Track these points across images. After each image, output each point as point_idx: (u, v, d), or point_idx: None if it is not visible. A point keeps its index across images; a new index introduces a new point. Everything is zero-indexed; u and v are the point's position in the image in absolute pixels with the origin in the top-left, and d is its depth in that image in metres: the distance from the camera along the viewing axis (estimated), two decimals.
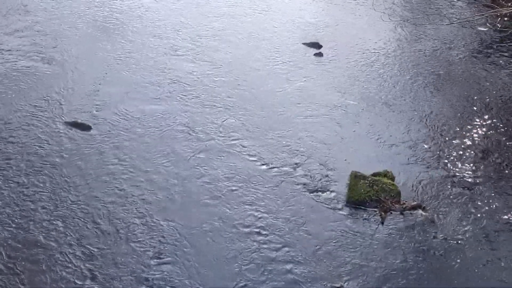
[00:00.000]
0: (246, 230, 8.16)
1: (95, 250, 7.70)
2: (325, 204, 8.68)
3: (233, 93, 11.02)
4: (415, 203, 8.74)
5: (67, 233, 7.91)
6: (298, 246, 7.98)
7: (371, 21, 13.82)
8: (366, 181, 8.86)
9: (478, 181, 9.24)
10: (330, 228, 8.28)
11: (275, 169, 9.26)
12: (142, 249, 7.76)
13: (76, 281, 7.31)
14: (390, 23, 13.57)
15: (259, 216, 8.40)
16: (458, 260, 7.91)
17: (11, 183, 8.63)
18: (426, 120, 10.60)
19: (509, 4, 12.66)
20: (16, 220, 8.01)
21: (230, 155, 9.49)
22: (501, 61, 12.47)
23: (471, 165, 9.58)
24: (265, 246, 7.95)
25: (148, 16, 13.52)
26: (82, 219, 8.13)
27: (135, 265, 7.55)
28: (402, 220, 8.49)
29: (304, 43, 12.80)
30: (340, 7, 14.58)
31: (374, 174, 9.05)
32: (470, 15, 14.04)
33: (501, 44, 13.09)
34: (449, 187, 9.10)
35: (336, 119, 10.51)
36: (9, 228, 7.87)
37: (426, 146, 9.96)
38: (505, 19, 13.75)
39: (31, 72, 11.20)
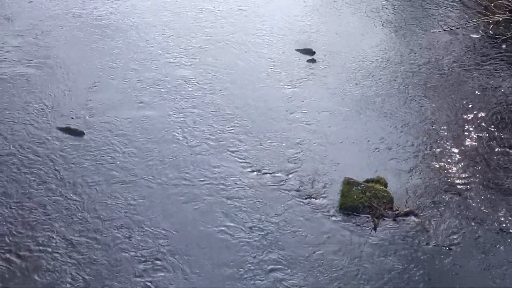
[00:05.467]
0: (237, 237, 8.15)
1: (88, 253, 7.71)
2: (318, 210, 8.68)
3: (225, 99, 11.02)
4: (407, 209, 8.76)
5: (59, 236, 7.90)
6: (291, 252, 7.98)
7: (364, 27, 13.85)
8: (359, 188, 8.87)
9: (470, 188, 9.26)
10: (323, 235, 8.28)
11: (268, 175, 9.26)
12: (134, 253, 7.75)
13: (70, 285, 7.31)
14: (383, 30, 13.61)
15: (252, 223, 8.39)
16: (451, 267, 7.92)
17: (3, 188, 8.61)
18: (419, 127, 10.62)
19: (501, 11, 12.69)
20: (9, 221, 8.01)
21: (222, 161, 9.48)
22: (493, 68, 12.51)
23: (464, 171, 9.60)
24: (257, 252, 7.94)
25: (142, 21, 13.50)
26: (75, 223, 8.12)
27: (128, 269, 7.55)
28: (394, 226, 8.50)
29: (297, 49, 12.82)
30: (334, 14, 14.61)
31: (367, 181, 9.06)
32: (463, 22, 14.08)
33: (493, 51, 13.15)
34: (442, 193, 9.11)
35: (329, 125, 10.52)
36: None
37: (418, 153, 9.98)
38: (501, 26, 13.80)
39: (23, 78, 11.18)
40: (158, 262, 7.70)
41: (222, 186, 8.97)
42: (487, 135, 10.49)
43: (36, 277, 7.40)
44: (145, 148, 9.65)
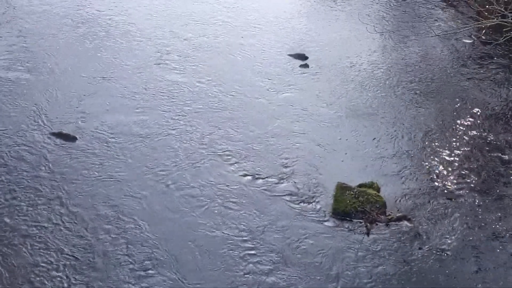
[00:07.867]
0: (231, 242, 8.13)
1: (80, 257, 7.69)
2: (311, 215, 8.67)
3: (218, 104, 11.01)
4: (400, 214, 8.76)
5: (53, 242, 7.87)
6: (283, 257, 7.96)
7: (357, 32, 13.88)
8: (352, 192, 8.87)
9: (463, 193, 9.27)
10: (315, 239, 8.27)
11: (260, 180, 9.24)
12: (126, 256, 7.73)
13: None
14: (375, 35, 13.64)
15: (244, 227, 8.37)
16: (443, 271, 7.92)
17: None
18: (411, 132, 10.64)
19: (493, 16, 12.75)
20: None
21: (215, 166, 9.47)
22: (485, 73, 12.55)
23: (456, 176, 9.62)
24: (249, 256, 7.92)
25: (134, 26, 13.49)
26: (67, 229, 8.09)
27: (122, 273, 7.53)
28: (387, 231, 8.50)
29: (290, 54, 12.83)
30: (326, 19, 14.64)
31: (360, 185, 9.06)
32: (455, 27, 14.14)
33: (485, 56, 13.19)
34: (434, 198, 9.12)
35: (322, 130, 10.52)
36: None
37: (411, 157, 9.99)
38: (493, 31, 13.84)
39: (15, 82, 11.14)
40: (149, 271, 7.67)
41: (214, 191, 8.94)
42: (479, 139, 10.51)
43: (29, 279, 7.38)
44: (137, 152, 9.62)
